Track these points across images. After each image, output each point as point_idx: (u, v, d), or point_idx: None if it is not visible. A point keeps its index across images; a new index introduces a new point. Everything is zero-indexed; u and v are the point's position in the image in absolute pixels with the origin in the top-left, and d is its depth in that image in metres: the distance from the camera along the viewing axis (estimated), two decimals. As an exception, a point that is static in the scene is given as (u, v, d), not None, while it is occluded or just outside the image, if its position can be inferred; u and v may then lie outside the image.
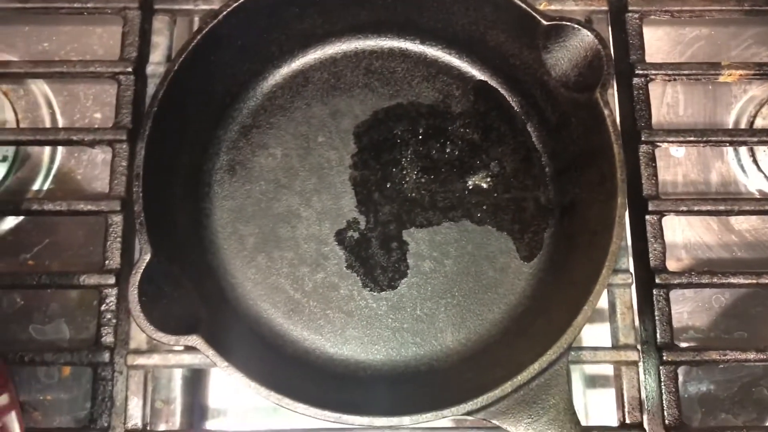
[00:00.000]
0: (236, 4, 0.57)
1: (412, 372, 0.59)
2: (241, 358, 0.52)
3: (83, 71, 0.65)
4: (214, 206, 0.63)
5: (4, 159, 0.68)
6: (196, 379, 0.67)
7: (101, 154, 0.70)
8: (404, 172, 0.64)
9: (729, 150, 0.72)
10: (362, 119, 0.65)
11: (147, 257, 0.52)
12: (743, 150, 0.71)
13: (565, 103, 0.60)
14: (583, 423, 0.63)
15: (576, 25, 0.57)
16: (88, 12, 0.67)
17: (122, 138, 0.63)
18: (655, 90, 0.72)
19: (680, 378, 0.65)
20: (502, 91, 0.66)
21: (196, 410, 0.67)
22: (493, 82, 0.66)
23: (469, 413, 0.51)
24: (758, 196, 0.70)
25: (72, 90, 0.72)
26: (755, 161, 0.70)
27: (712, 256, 0.70)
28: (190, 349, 0.60)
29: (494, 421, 0.52)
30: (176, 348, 0.61)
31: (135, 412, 0.59)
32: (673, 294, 0.62)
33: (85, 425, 0.59)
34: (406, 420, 0.50)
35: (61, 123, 0.71)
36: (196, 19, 0.72)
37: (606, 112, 0.55)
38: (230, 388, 0.67)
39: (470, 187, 0.64)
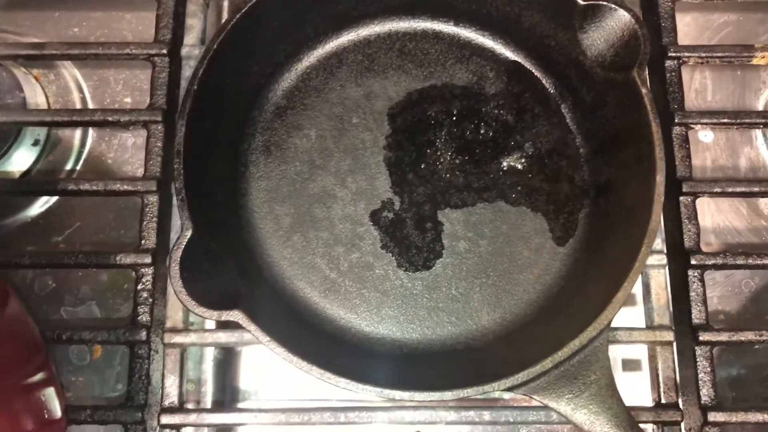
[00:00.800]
0: (275, -17, 0.58)
1: (448, 350, 0.60)
2: (280, 334, 0.52)
3: (118, 53, 0.66)
4: (250, 186, 0.63)
5: (36, 143, 0.69)
6: (226, 361, 0.67)
7: (131, 138, 0.70)
8: (438, 153, 0.65)
9: (758, 135, 0.71)
10: (396, 101, 0.65)
11: (188, 233, 0.52)
12: (771, 136, 0.71)
13: (600, 83, 0.60)
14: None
15: (613, 5, 0.57)
16: (122, -5, 0.68)
17: (157, 119, 0.63)
18: (683, 76, 0.72)
19: (711, 362, 0.66)
20: (536, 72, 0.66)
21: (227, 392, 0.67)
22: (527, 63, 0.66)
23: (509, 389, 0.51)
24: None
25: (102, 75, 0.72)
26: (784, 146, 0.70)
27: (742, 240, 0.70)
28: (225, 327, 0.61)
29: (535, 397, 0.52)
30: (211, 326, 0.61)
31: (171, 390, 0.59)
32: (705, 277, 0.62)
33: (121, 403, 0.59)
34: (447, 395, 0.50)
35: (91, 107, 0.71)
36: (225, 3, 0.72)
37: (644, 90, 0.55)
38: (261, 369, 0.67)
39: (505, 168, 0.64)
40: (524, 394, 0.52)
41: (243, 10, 0.57)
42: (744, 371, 0.66)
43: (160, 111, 0.63)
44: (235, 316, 0.51)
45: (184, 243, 0.52)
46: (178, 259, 0.51)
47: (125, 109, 0.65)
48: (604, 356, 0.52)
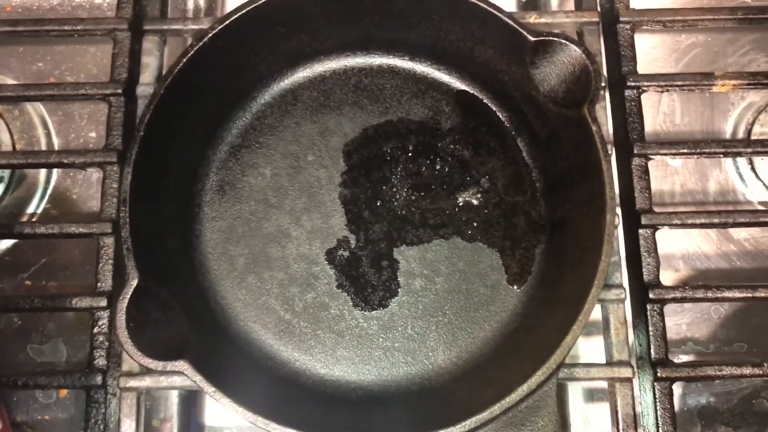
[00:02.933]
0: (221, 26, 0.57)
1: (403, 392, 0.59)
2: (230, 380, 0.52)
3: (74, 93, 0.65)
4: (204, 227, 0.63)
5: (0, 180, 0.69)
6: (192, 398, 0.67)
7: (96, 174, 0.70)
8: (394, 190, 0.64)
9: (727, 159, 0.70)
10: (352, 137, 0.65)
11: (134, 282, 0.52)
12: (742, 159, 0.70)
13: (554, 118, 0.60)
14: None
15: (563, 41, 0.56)
16: (78, 34, 0.67)
17: (113, 160, 0.63)
18: (651, 99, 0.71)
19: (679, 390, 0.65)
20: (492, 107, 0.65)
21: (192, 428, 0.67)
22: (483, 97, 0.66)
23: (457, 436, 0.51)
24: (755, 207, 0.69)
25: (67, 110, 0.72)
26: (753, 170, 0.69)
27: (711, 267, 0.69)
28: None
29: (483, 444, 0.52)
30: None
31: (128, 435, 0.59)
32: (672, 305, 0.61)
33: (79, 448, 0.60)
34: (393, 445, 0.50)
35: (56, 143, 0.71)
36: (189, 38, 0.72)
37: (594, 128, 0.55)
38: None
39: (461, 204, 0.64)
40: (472, 441, 0.51)
41: (189, 53, 0.57)
42: (713, 399, 0.66)
43: (115, 152, 0.63)
44: (181, 366, 0.50)
45: (130, 293, 0.52)
46: (124, 310, 0.51)
47: (81, 150, 0.65)
48: (553, 402, 0.52)
